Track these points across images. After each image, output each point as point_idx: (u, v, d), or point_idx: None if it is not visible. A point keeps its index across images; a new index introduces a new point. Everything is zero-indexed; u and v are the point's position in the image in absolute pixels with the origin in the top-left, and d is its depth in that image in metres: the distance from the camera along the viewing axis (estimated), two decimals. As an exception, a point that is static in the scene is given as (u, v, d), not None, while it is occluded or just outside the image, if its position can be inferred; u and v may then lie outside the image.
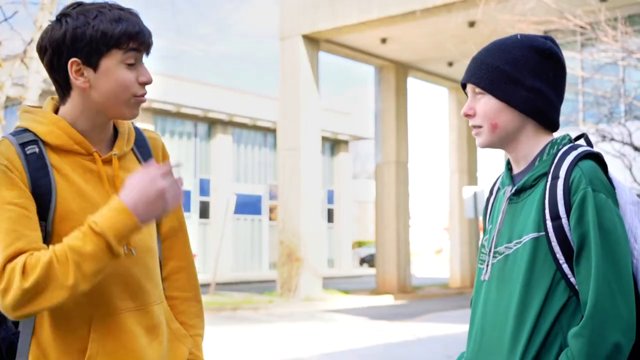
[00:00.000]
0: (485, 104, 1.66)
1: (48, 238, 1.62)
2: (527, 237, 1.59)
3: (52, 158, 1.64)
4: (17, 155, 1.60)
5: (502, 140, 1.68)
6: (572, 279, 1.55)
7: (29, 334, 1.64)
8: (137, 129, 1.84)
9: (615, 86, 11.88)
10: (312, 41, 18.25)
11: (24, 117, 1.69)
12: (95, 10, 1.62)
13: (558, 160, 1.60)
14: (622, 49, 10.68)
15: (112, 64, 1.62)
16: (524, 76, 1.64)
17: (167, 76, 25.74)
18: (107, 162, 1.71)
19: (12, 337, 1.65)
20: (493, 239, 1.68)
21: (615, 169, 12.19)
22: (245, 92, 28.61)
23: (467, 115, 1.70)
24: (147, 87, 1.71)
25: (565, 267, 1.55)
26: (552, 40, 1.71)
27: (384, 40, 18.61)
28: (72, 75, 1.62)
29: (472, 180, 22.90)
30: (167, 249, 1.88)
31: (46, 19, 6.04)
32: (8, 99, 6.93)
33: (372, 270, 29.56)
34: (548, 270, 1.55)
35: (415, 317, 14.13)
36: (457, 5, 15.29)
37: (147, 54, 1.69)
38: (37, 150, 1.63)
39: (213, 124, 27.55)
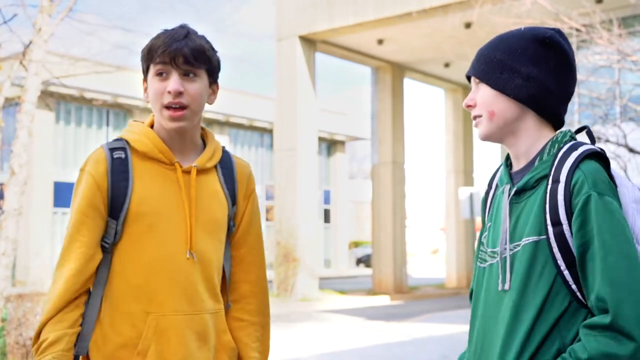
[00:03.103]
0: (483, 93, 1.64)
1: (117, 236, 1.81)
2: (527, 240, 1.54)
3: (136, 164, 1.83)
4: (105, 159, 1.81)
5: (501, 131, 1.64)
6: (574, 286, 1.50)
7: (93, 320, 1.80)
8: (226, 152, 1.97)
9: (610, 88, 11.95)
10: (309, 42, 18.29)
11: (124, 129, 1.90)
12: (159, 34, 1.83)
13: (559, 161, 1.54)
14: (617, 52, 10.74)
15: (151, 77, 1.83)
16: (520, 64, 1.60)
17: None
18: (187, 172, 1.85)
19: None
20: (501, 239, 1.62)
21: (610, 170, 12.21)
22: (242, 93, 28.63)
23: (468, 107, 1.68)
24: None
25: (566, 273, 1.50)
26: (559, 32, 1.65)
27: (380, 41, 18.66)
28: (144, 88, 1.88)
29: (468, 180, 22.96)
30: (243, 272, 1.97)
31: (45, 21, 6.06)
32: (6, 100, 6.94)
33: (369, 271, 29.60)
34: (548, 275, 1.51)
35: (411, 317, 14.18)
36: (453, 6, 15.34)
37: (177, 68, 1.79)
38: (123, 155, 1.82)
39: (210, 125, 27.57)
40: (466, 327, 11.62)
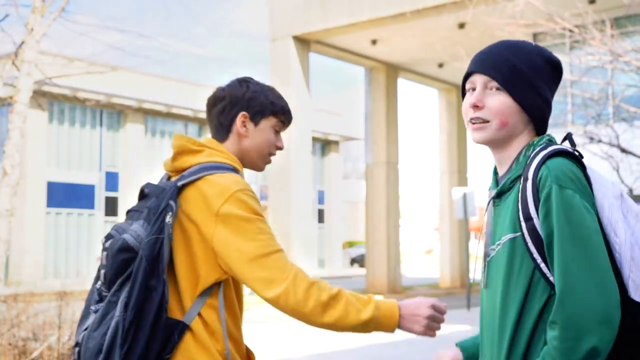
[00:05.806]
0: (502, 102, 1.65)
1: None
2: (505, 238, 1.61)
3: None
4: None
5: (504, 139, 1.68)
6: (551, 278, 1.54)
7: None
8: None
9: (602, 89, 11.99)
10: (303, 42, 18.29)
11: (216, 154, 2.11)
12: (267, 86, 2.25)
13: (529, 161, 1.60)
14: (609, 52, 10.78)
15: (267, 126, 2.19)
16: (541, 84, 1.67)
17: (157, 77, 25.69)
18: None
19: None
20: (485, 241, 1.72)
21: (603, 171, 12.30)
22: (236, 93, 28.57)
23: (475, 106, 1.67)
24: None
25: (543, 266, 1.55)
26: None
27: (374, 42, 18.67)
28: (238, 123, 2.15)
29: (462, 181, 23.00)
30: None
31: (37, 21, 6.04)
32: (-1, 100, 6.92)
33: (363, 271, 29.62)
34: (526, 270, 1.56)
35: (405, 317, 14.15)
36: (447, 7, 15.37)
37: (284, 129, 2.27)
38: None
39: (204, 125, 27.52)
40: (460, 327, 11.67)
